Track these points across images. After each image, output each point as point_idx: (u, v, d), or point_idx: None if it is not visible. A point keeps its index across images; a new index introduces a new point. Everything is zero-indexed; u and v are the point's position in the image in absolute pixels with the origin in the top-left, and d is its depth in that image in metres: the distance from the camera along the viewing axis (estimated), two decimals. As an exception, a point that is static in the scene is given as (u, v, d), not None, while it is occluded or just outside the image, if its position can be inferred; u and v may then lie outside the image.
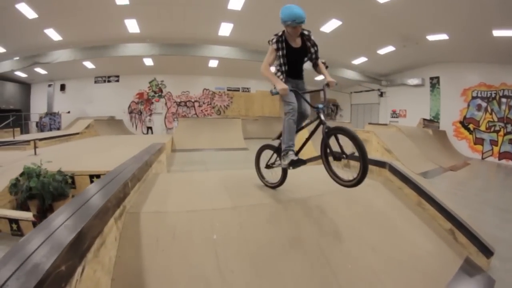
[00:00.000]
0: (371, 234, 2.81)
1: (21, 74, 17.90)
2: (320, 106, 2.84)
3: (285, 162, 3.04)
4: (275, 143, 3.48)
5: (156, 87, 20.97)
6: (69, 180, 4.91)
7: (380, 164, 4.03)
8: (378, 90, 21.03)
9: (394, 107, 20.26)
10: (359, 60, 17.11)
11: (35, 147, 8.05)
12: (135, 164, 3.57)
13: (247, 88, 22.80)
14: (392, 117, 20.22)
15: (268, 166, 3.64)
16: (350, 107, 24.07)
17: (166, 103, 21.30)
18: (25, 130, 17.62)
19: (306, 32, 3.11)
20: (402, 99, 19.52)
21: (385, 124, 12.95)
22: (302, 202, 3.15)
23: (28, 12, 10.71)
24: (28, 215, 4.34)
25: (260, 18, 11.73)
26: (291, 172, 3.22)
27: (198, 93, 21.77)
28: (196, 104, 21.79)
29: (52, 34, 12.70)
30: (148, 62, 17.75)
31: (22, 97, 19.86)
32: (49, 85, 19.90)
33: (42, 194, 4.23)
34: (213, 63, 18.25)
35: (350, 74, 18.36)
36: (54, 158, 7.31)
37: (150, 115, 20.98)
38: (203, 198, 3.11)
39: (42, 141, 9.80)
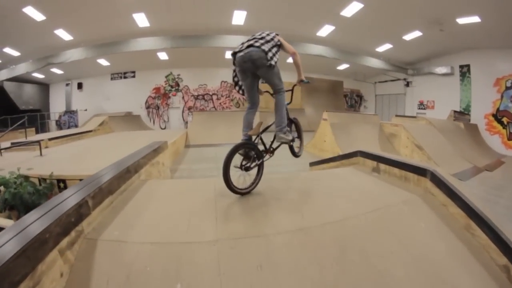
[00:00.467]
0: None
1: (38, 75, 18.41)
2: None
3: (289, 137, 3.26)
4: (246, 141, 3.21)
5: (173, 81, 20.65)
6: (45, 190, 4.68)
7: (420, 171, 3.12)
8: (404, 79, 19.82)
9: (421, 98, 19.02)
10: (384, 47, 16.04)
11: (41, 148, 7.85)
12: (112, 172, 3.05)
13: (267, 80, 21.88)
14: (419, 108, 18.99)
15: (246, 168, 3.10)
16: (375, 98, 22.90)
17: (183, 97, 20.96)
18: (43, 129, 18.32)
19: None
20: (430, 89, 18.29)
21: (414, 117, 11.95)
22: (312, 233, 2.24)
23: (35, 14, 10.89)
24: (10, 223, 4.01)
25: (274, 3, 11.15)
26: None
27: (216, 86, 21.26)
28: (214, 97, 21.31)
29: (63, 34, 12.88)
30: (163, 56, 17.39)
31: (41, 97, 20.60)
32: (67, 84, 20.31)
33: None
34: (229, 55, 17.43)
35: (374, 63, 17.34)
36: (57, 158, 7.33)
37: (167, 109, 20.77)
38: (180, 221, 2.40)
39: (52, 141, 9.83)
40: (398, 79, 19.96)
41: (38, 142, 8.03)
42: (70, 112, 19.64)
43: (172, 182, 4.18)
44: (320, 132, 9.27)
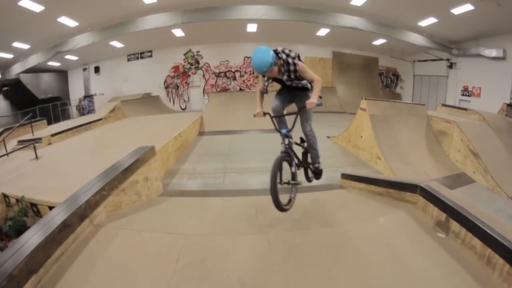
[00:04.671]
0: None
1: (55, 64, 18.44)
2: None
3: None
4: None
5: (192, 58, 19.47)
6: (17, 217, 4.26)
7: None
8: (447, 60, 17.46)
9: (465, 82, 16.64)
10: (427, 21, 13.92)
11: (36, 151, 7.06)
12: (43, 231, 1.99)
13: (295, 55, 20.20)
14: (463, 95, 16.72)
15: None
16: (413, 78, 20.62)
17: (204, 75, 19.83)
18: (64, 116, 19.00)
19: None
20: (476, 74, 15.90)
21: (464, 109, 10.04)
22: None
23: (33, 6, 10.75)
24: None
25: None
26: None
27: (239, 62, 19.90)
28: (237, 74, 20.02)
29: (67, 21, 12.57)
30: (178, 33, 16.09)
31: (59, 84, 21.03)
32: (84, 69, 20.39)
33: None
34: (252, 28, 16.03)
35: (414, 38, 15.26)
36: (50, 164, 6.56)
37: (187, 88, 19.78)
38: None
39: (57, 136, 9.26)
40: (441, 59, 17.67)
41: (32, 144, 7.19)
42: (89, 97, 19.51)
43: (133, 235, 3.03)
44: (356, 124, 7.75)
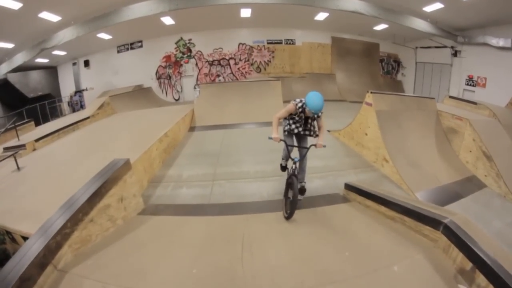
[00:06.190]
0: None
1: (43, 60, 17.72)
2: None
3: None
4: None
5: (184, 47, 18.49)
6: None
7: None
8: (452, 48, 16.51)
9: (470, 72, 15.74)
10: (433, 7, 12.97)
11: (17, 162, 6.27)
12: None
13: (292, 40, 19.21)
14: (468, 84, 15.86)
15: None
16: (415, 66, 19.70)
17: (196, 64, 18.88)
18: (55, 113, 18.42)
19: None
20: (482, 64, 15.00)
21: (474, 103, 9.25)
22: None
23: (10, 4, 10.15)
24: None
25: None
26: None
27: (233, 49, 18.95)
28: (232, 62, 19.09)
29: (49, 16, 11.82)
30: (168, 21, 15.12)
31: (49, 81, 20.30)
32: (74, 64, 19.49)
33: None
34: (246, 13, 15.09)
35: (418, 24, 14.34)
36: (31, 176, 5.65)
37: (180, 78, 18.86)
38: None
39: (42, 140, 8.37)
40: (445, 47, 16.76)
41: (13, 154, 6.41)
42: (80, 92, 18.87)
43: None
44: (361, 120, 7.00)
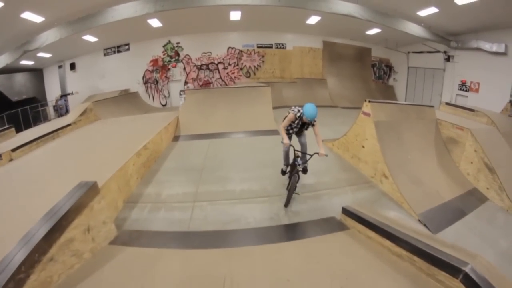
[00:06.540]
0: None
1: (27, 62, 16.83)
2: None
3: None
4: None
5: (172, 50, 17.85)
6: None
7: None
8: (445, 52, 16.26)
9: (463, 77, 15.52)
10: (427, 11, 12.65)
11: None
12: None
13: (282, 44, 18.73)
14: (461, 89, 15.64)
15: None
16: (407, 70, 19.47)
17: (184, 68, 18.24)
18: (39, 118, 17.52)
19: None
20: (475, 69, 14.81)
21: (472, 110, 8.81)
22: None
23: None
24: None
25: None
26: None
27: (222, 53, 18.35)
28: (221, 66, 18.48)
29: (32, 17, 11.21)
30: (155, 23, 14.50)
31: (34, 84, 19.32)
32: (60, 66, 18.55)
33: None
34: (236, 15, 14.55)
35: (412, 28, 13.96)
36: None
37: (167, 83, 18.18)
38: None
39: (21, 148, 7.65)
40: (438, 51, 16.54)
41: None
42: (65, 96, 18.29)
43: None
44: (357, 130, 6.49)
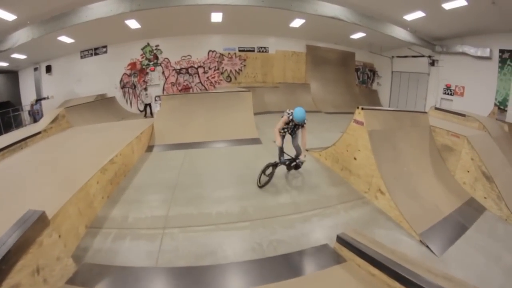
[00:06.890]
0: None
1: (1, 64, 16.11)
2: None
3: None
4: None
5: (150, 53, 17.03)
6: None
7: None
8: (429, 57, 16.22)
9: (448, 81, 15.55)
10: (414, 15, 12.42)
11: None
12: None
13: (265, 48, 18.22)
14: (445, 93, 15.63)
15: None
16: (391, 75, 19.35)
17: (163, 72, 17.46)
18: (14, 124, 16.24)
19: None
20: (459, 73, 14.89)
21: (462, 115, 8.40)
22: None
23: None
24: None
25: None
26: None
27: (202, 57, 17.66)
28: (201, 70, 17.78)
29: (3, 14, 10.48)
30: (133, 24, 13.69)
31: (9, 87, 18.36)
32: (35, 69, 17.57)
33: None
34: (217, 17, 13.95)
35: (397, 32, 13.73)
36: None
37: (145, 88, 17.20)
38: None
39: None
40: (422, 56, 16.45)
41: None
42: (41, 100, 17.06)
43: None
44: (348, 141, 5.91)
